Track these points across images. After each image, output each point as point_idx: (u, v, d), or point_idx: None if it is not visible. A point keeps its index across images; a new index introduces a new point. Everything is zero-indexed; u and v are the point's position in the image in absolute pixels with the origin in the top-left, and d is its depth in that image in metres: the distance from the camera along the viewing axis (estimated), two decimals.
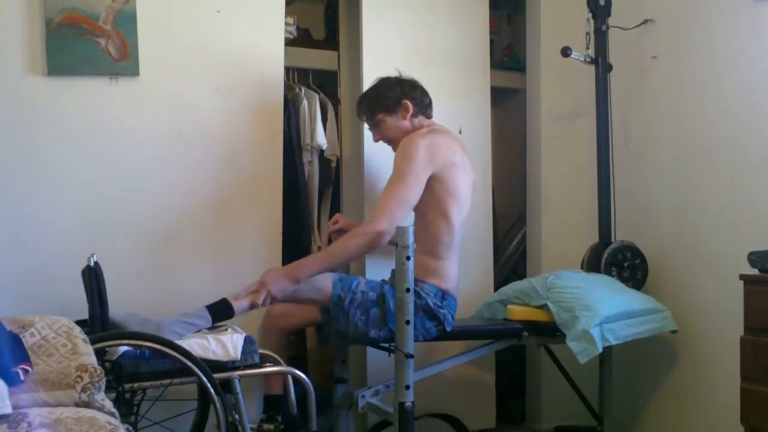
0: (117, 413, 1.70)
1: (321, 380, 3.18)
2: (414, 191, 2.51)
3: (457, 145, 2.66)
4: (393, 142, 2.73)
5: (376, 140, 2.77)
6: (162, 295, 2.66)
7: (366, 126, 2.85)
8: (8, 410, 1.50)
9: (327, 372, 3.00)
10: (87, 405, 1.64)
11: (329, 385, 2.87)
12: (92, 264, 2.15)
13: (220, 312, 2.38)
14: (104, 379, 1.70)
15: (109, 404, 1.69)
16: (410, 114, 2.68)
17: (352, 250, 2.50)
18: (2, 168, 2.52)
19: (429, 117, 2.75)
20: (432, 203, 2.57)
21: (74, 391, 1.64)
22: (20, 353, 1.67)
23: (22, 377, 1.61)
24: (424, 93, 2.74)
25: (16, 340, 1.71)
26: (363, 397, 2.62)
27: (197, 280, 2.74)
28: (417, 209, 2.61)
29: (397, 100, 2.67)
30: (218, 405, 2.08)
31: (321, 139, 3.12)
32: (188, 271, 2.74)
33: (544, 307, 2.71)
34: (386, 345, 2.55)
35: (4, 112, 2.52)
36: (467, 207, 2.65)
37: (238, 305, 2.42)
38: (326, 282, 2.51)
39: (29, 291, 2.50)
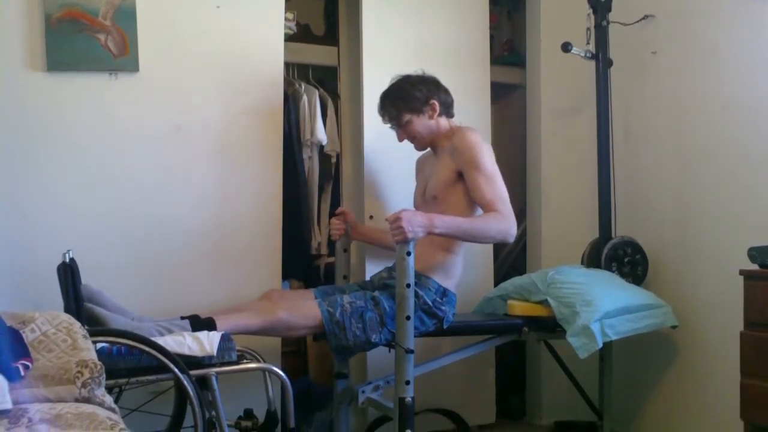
0: (117, 409, 1.70)
1: (321, 375, 3.19)
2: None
3: None
4: (418, 141, 2.72)
5: (401, 140, 2.72)
6: (161, 293, 2.67)
7: (365, 123, 2.82)
8: (8, 406, 1.50)
9: (327, 367, 3.00)
10: (87, 400, 1.64)
11: (329, 380, 2.87)
12: (68, 260, 2.13)
13: (202, 326, 2.30)
14: (104, 375, 1.70)
15: (109, 400, 1.69)
16: (437, 114, 2.66)
17: (490, 231, 2.47)
18: (2, 165, 2.52)
19: (451, 116, 2.73)
20: (463, 196, 2.56)
21: (74, 387, 1.64)
22: (20, 349, 1.67)
23: (22, 373, 1.61)
24: (447, 92, 2.71)
25: (16, 336, 1.71)
26: (363, 392, 2.62)
27: (197, 276, 2.74)
28: (442, 199, 2.60)
29: (425, 100, 2.64)
30: (194, 401, 2.04)
31: (321, 134, 3.12)
32: (188, 268, 2.73)
33: (544, 303, 2.71)
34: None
35: (3, 107, 2.52)
36: None
37: (223, 323, 2.32)
38: (312, 306, 2.47)
39: (30, 288, 2.50)
